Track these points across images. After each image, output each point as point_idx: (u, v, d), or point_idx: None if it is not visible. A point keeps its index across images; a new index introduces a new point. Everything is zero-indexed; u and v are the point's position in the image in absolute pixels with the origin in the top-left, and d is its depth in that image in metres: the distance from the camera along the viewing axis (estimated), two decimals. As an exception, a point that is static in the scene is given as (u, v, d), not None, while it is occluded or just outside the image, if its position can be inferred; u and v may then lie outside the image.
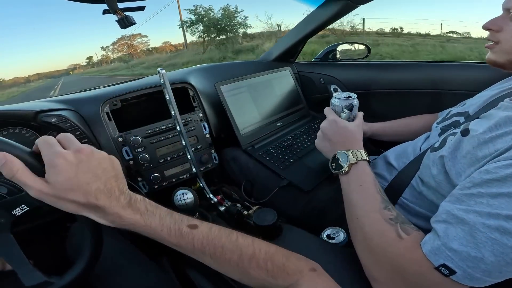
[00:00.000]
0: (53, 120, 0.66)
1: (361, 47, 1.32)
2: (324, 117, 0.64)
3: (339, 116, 0.62)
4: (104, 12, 0.60)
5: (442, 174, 0.46)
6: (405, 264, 0.38)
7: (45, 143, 0.36)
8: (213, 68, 1.06)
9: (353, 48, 1.40)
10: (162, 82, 0.65)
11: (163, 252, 0.67)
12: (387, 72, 1.07)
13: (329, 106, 0.67)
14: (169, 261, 0.68)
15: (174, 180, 0.84)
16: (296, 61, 1.29)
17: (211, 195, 0.78)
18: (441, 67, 1.01)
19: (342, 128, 0.59)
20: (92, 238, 0.45)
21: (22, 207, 0.42)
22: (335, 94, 0.64)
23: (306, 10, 1.11)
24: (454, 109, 0.64)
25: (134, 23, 0.58)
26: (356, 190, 0.50)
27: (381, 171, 0.66)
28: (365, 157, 0.54)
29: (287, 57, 1.24)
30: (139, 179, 0.80)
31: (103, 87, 0.93)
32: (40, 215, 0.43)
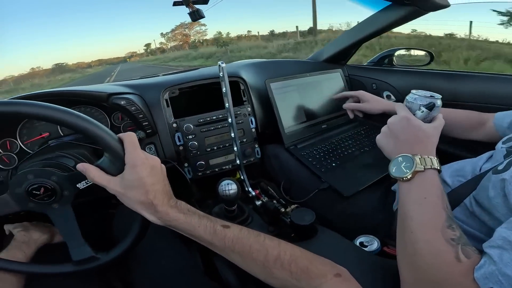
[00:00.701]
0: (122, 102, 0.74)
1: (421, 53, 1.23)
2: (374, 124, 0.59)
3: (414, 115, 0.52)
4: (175, 3, 0.64)
5: (500, 197, 0.42)
6: (452, 286, 0.36)
7: (131, 143, 0.43)
8: (264, 64, 1.08)
9: (411, 54, 1.31)
10: (221, 75, 0.68)
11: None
12: (453, 83, 0.96)
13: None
14: (198, 248, 0.72)
15: (217, 169, 0.88)
16: (348, 63, 1.25)
17: (250, 189, 0.81)
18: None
19: (414, 127, 0.48)
20: (141, 220, 0.49)
21: (87, 181, 0.47)
22: (412, 91, 0.54)
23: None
24: None
25: (204, 17, 0.61)
26: (417, 202, 0.44)
27: None
28: (436, 165, 0.44)
29: (338, 58, 1.21)
30: (186, 164, 0.85)
31: (163, 75, 1.01)
32: (99, 190, 0.46)
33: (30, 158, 0.62)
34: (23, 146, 0.77)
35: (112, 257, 0.52)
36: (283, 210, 0.72)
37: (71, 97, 0.76)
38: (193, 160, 0.85)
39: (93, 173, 0.43)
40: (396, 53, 1.20)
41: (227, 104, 0.70)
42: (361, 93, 0.95)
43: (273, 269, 0.38)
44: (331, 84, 1.07)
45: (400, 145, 0.49)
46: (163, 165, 0.46)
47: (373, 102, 0.91)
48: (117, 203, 0.46)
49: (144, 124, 0.78)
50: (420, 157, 0.45)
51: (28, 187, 0.46)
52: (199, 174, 0.87)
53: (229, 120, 0.72)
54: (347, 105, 0.97)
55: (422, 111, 0.50)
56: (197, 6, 0.62)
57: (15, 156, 0.76)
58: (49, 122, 0.42)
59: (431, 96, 0.53)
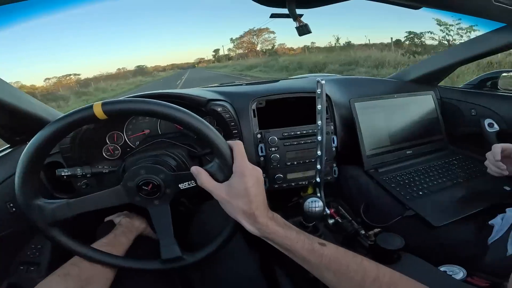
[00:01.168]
0: (219, 109, 0.80)
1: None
2: (469, 155, 0.52)
3: None
4: (272, 16, 0.66)
5: None
6: None
7: (240, 153, 0.45)
8: (348, 81, 1.06)
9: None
10: (319, 92, 0.67)
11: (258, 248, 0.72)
12: None
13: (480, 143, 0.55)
14: (260, 257, 0.74)
15: (293, 184, 0.88)
16: (440, 84, 1.14)
17: (325, 207, 0.79)
18: None
19: None
20: (232, 227, 0.51)
21: (190, 182, 0.50)
22: None
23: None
24: None
25: (311, 32, 0.61)
26: None
27: None
28: None
29: (430, 79, 1.11)
30: (264, 175, 0.87)
31: (246, 84, 1.07)
32: (194, 193, 0.50)
33: (137, 153, 0.69)
34: (127, 140, 0.88)
35: (197, 259, 0.55)
36: (363, 232, 0.70)
37: (174, 99, 0.82)
38: (272, 172, 0.86)
39: (204, 177, 0.45)
40: (503, 75, 1.05)
41: (319, 122, 0.70)
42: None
43: None
44: (420, 107, 0.99)
45: None
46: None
47: None
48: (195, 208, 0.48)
49: (234, 132, 0.82)
50: None
51: (139, 182, 0.50)
52: (276, 186, 0.88)
53: (319, 137, 0.71)
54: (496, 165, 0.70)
55: None
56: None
57: (119, 148, 0.86)
58: (177, 123, 0.47)
59: None
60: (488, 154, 0.72)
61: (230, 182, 0.44)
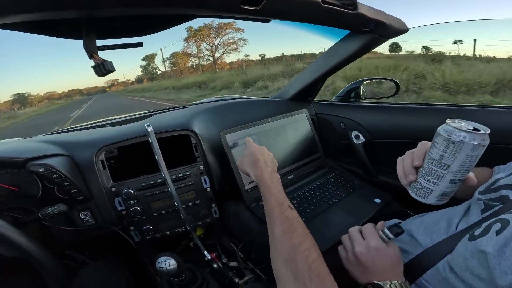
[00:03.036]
0: (40, 170, 0.64)
1: (387, 82, 1.19)
2: (344, 168, 0.53)
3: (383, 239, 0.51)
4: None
5: (484, 269, 0.38)
6: None
7: (248, 140, 0.69)
8: (220, 109, 0.98)
9: (378, 84, 1.27)
10: (150, 141, 0.60)
11: None
12: (426, 118, 0.89)
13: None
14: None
15: (168, 232, 0.79)
16: (316, 99, 1.19)
17: (205, 252, 0.75)
18: (502, 114, 0.76)
19: (385, 257, 0.48)
20: None
21: None
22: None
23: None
24: (502, 175, 0.51)
25: (113, 70, 0.51)
26: None
27: (403, 245, 0.56)
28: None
29: (305, 95, 1.14)
30: (132, 228, 0.76)
31: (108, 125, 0.89)
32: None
33: None
34: None
35: None
36: (237, 280, 0.72)
37: None
38: (139, 224, 0.76)
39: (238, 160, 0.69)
40: (363, 84, 1.15)
41: (163, 173, 0.62)
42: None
43: (298, 256, 0.43)
44: (296, 127, 0.99)
45: (369, 273, 0.49)
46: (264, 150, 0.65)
47: None
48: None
49: (72, 191, 0.67)
50: (390, 283, 0.45)
51: None
52: (148, 237, 0.78)
53: (169, 189, 0.63)
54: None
55: (389, 237, 0.49)
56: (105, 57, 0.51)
57: None
58: None
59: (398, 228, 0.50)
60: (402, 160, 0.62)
61: (245, 153, 0.67)
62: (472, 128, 0.40)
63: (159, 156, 0.61)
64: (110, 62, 0.46)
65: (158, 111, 1.05)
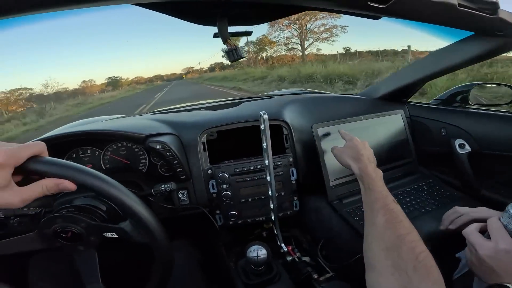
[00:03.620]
0: (158, 147, 0.71)
1: (503, 89, 1.01)
2: (439, 177, 0.52)
3: None
4: (215, 35, 0.59)
5: None
6: None
7: (347, 134, 0.71)
8: (312, 102, 0.97)
9: (490, 90, 1.08)
10: (262, 128, 0.62)
11: None
12: None
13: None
14: None
15: (249, 220, 0.82)
16: (409, 101, 1.08)
17: (282, 244, 0.76)
18: None
19: None
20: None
21: (112, 234, 0.49)
22: None
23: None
24: None
25: (243, 57, 0.55)
26: None
27: None
28: None
29: (399, 96, 1.04)
30: (217, 211, 0.80)
31: (203, 109, 0.97)
32: (124, 241, 0.49)
33: (66, 195, 0.61)
34: None
35: None
36: (316, 276, 0.69)
37: (107, 136, 0.76)
38: (225, 209, 0.79)
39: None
40: (474, 90, 1.00)
41: (266, 161, 0.63)
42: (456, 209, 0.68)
43: (403, 246, 0.41)
44: (389, 128, 0.92)
45: (496, 276, 0.43)
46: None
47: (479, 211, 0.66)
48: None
49: (178, 170, 0.74)
50: None
51: (56, 229, 0.48)
52: (230, 223, 0.81)
53: (268, 178, 0.65)
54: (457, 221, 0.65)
55: None
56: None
57: None
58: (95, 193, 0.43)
59: None
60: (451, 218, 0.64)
61: (346, 145, 0.68)
62: None
63: (268, 144, 0.63)
64: (241, 48, 0.49)
65: (244, 99, 1.11)
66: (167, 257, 0.50)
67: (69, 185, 0.39)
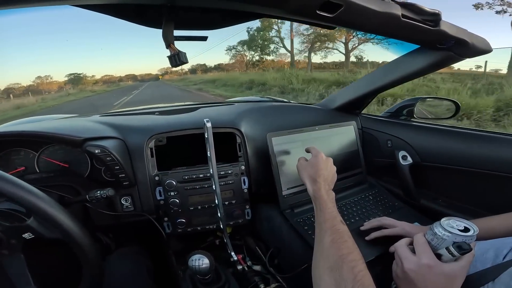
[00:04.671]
0: (96, 151, 0.67)
1: (446, 102, 1.10)
2: (385, 187, 0.59)
3: (436, 253, 0.45)
4: (176, 38, 0.57)
5: None
6: None
7: (314, 148, 0.72)
8: (268, 111, 0.97)
9: (435, 103, 1.18)
10: (206, 137, 0.60)
11: None
12: (485, 145, 0.80)
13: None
14: None
15: (199, 228, 0.80)
16: (362, 113, 1.14)
17: (232, 253, 0.75)
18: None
19: (438, 276, 0.43)
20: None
21: (29, 234, 0.48)
22: (443, 221, 0.46)
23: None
24: None
25: (186, 62, 0.51)
26: None
27: None
28: None
29: (353, 107, 1.09)
30: (165, 219, 0.78)
31: (157, 114, 0.92)
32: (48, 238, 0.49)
33: None
34: None
35: None
36: (262, 286, 0.70)
37: (42, 139, 0.70)
38: (173, 216, 0.77)
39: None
40: (419, 104, 1.08)
41: (211, 170, 0.62)
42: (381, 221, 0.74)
43: (345, 265, 0.43)
44: (341, 138, 0.96)
45: None
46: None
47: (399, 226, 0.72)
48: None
49: (120, 176, 0.69)
50: None
51: None
52: (179, 231, 0.79)
53: (213, 187, 0.63)
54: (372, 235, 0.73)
55: (451, 253, 0.42)
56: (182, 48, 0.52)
57: None
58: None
59: (465, 229, 0.44)
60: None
61: (310, 160, 0.68)
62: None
63: (212, 152, 0.61)
64: (185, 53, 0.47)
65: (203, 104, 1.08)
66: (87, 252, 0.49)
67: None
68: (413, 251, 0.48)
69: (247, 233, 0.90)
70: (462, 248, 0.41)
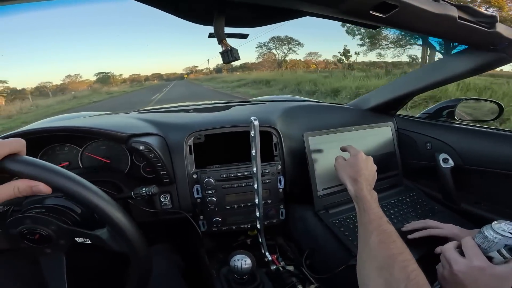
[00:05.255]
0: (141, 147, 0.68)
1: (489, 104, 1.04)
2: (422, 190, 0.62)
3: (488, 256, 0.44)
4: (210, 35, 0.57)
5: None
6: None
7: (352, 148, 0.71)
8: (303, 110, 0.97)
9: (476, 106, 1.12)
10: (252, 135, 0.61)
11: None
12: None
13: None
14: None
15: (234, 227, 0.81)
16: (398, 113, 1.10)
17: (267, 253, 0.75)
18: None
19: (490, 279, 0.43)
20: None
21: (86, 239, 0.46)
22: (494, 224, 0.46)
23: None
24: None
25: (238, 59, 0.51)
26: None
27: None
28: None
29: (388, 108, 1.05)
30: (201, 217, 0.79)
31: (192, 111, 0.95)
32: (96, 246, 0.46)
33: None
34: None
35: None
36: (300, 287, 0.69)
37: (87, 134, 0.73)
38: (209, 214, 0.78)
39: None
40: (461, 106, 1.02)
41: (254, 169, 0.62)
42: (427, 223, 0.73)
43: (396, 264, 0.42)
44: (378, 140, 0.93)
45: None
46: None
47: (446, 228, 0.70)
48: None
49: (161, 173, 0.71)
50: None
51: (23, 230, 0.45)
52: (214, 229, 0.79)
53: (255, 186, 0.63)
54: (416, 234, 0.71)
55: (503, 255, 0.43)
56: (234, 44, 0.52)
57: None
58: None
59: None
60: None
61: (349, 160, 0.67)
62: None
63: (257, 151, 0.61)
64: (237, 50, 0.47)
65: (234, 103, 1.09)
66: (145, 267, 0.47)
67: (44, 189, 0.36)
68: (461, 254, 0.47)
69: (278, 233, 0.90)
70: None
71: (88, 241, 0.46)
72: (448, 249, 0.49)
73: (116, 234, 0.45)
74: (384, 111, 1.06)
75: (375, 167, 0.66)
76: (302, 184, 0.80)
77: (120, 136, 0.70)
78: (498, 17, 0.51)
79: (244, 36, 0.61)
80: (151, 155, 0.69)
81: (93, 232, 0.46)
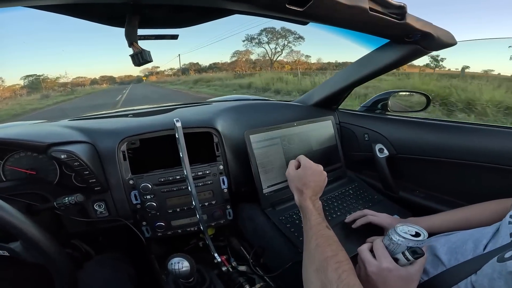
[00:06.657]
0: (62, 156, 0.63)
1: (418, 96, 1.15)
2: (365, 180, 0.62)
3: (394, 257, 0.48)
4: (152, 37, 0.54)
5: None
6: None
7: (303, 158, 0.70)
8: (245, 108, 0.96)
9: (407, 97, 1.22)
10: (177, 137, 0.58)
11: None
12: (456, 136, 0.83)
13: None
14: None
15: (180, 231, 0.78)
16: (339, 108, 1.15)
17: (216, 254, 0.73)
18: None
19: (396, 279, 0.46)
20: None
21: (4, 252, 0.47)
22: (397, 227, 0.50)
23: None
24: None
25: (150, 61, 0.49)
26: None
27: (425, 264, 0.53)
28: None
29: (330, 103, 1.10)
30: (144, 223, 0.75)
31: (131, 116, 0.89)
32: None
33: None
34: None
35: None
36: (247, 287, 0.70)
37: (6, 146, 0.65)
38: (152, 220, 0.74)
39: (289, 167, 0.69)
40: (392, 96, 1.11)
41: (185, 171, 0.60)
42: (364, 212, 0.77)
43: (329, 266, 0.44)
44: (320, 134, 0.96)
45: None
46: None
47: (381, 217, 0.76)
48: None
49: (90, 181, 0.66)
50: None
51: None
52: (159, 234, 0.76)
53: (189, 188, 0.61)
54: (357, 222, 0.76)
55: (408, 259, 0.47)
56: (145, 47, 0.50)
57: None
58: None
59: (416, 234, 0.48)
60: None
61: (298, 171, 0.66)
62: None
63: (184, 153, 0.60)
64: (149, 52, 0.45)
65: (180, 105, 1.05)
66: (67, 278, 0.47)
67: None
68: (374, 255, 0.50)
69: (231, 234, 0.89)
70: (416, 253, 0.46)
71: (6, 253, 0.47)
72: (363, 250, 0.52)
73: (30, 246, 0.46)
74: (327, 106, 1.10)
75: (324, 175, 0.68)
76: (248, 182, 0.80)
77: (38, 145, 0.64)
78: (407, 7, 0.54)
79: (174, 37, 0.59)
80: (75, 163, 0.64)
81: (7, 245, 0.46)
